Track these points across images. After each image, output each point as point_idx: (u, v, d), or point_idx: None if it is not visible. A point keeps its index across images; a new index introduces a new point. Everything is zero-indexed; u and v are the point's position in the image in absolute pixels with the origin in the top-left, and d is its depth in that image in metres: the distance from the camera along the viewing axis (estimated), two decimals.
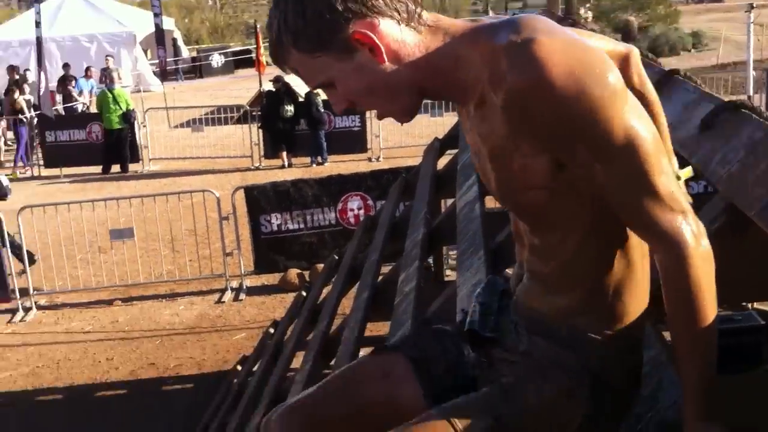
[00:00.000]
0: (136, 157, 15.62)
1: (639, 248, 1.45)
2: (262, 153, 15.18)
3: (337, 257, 6.21)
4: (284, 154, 14.74)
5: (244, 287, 8.38)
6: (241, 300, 8.14)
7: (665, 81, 2.78)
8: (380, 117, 1.45)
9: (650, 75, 2.61)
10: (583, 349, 1.48)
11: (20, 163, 16.50)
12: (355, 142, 15.00)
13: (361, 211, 8.37)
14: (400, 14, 1.33)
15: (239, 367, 6.21)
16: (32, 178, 15.69)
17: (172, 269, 8.73)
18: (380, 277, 4.45)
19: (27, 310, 8.16)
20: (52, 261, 8.54)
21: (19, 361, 7.02)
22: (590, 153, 1.29)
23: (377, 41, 1.32)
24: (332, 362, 4.17)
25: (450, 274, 7.03)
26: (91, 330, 7.67)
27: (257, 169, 14.86)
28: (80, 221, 8.68)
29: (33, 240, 8.73)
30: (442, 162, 5.91)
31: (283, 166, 14.60)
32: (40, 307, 8.27)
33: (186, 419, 5.60)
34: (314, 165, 14.64)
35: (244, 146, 15.72)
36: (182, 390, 6.30)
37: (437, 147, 6.37)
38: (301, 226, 8.45)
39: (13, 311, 8.14)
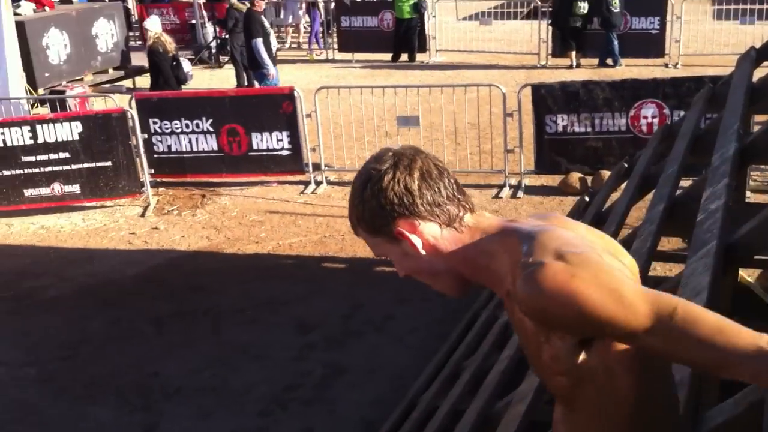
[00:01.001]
0: (423, 47, 15.88)
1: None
2: (549, 51, 14.77)
3: (626, 165, 5.91)
4: (573, 53, 14.23)
5: (523, 185, 8.31)
6: (519, 198, 8.09)
7: None
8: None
9: None
10: None
11: (315, 46, 17.47)
12: (651, 45, 14.08)
13: (656, 120, 7.87)
14: (440, 218, 1.66)
15: None
16: (326, 60, 16.56)
17: (453, 161, 8.84)
18: (678, 191, 4.16)
19: (318, 183, 8.73)
20: (342, 140, 9.01)
21: (309, 229, 7.57)
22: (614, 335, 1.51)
23: (412, 239, 1.66)
24: None
25: (750, 196, 6.48)
26: None
27: (543, 67, 14.51)
28: (369, 105, 9.02)
29: (327, 119, 9.24)
30: (757, 74, 5.35)
31: (570, 66, 14.13)
32: (329, 182, 8.81)
33: (457, 303, 5.74)
34: (603, 67, 14.02)
35: (532, 43, 15.39)
36: None
37: (753, 57, 5.74)
38: (588, 129, 8.14)
39: (306, 183, 8.74)
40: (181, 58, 10.25)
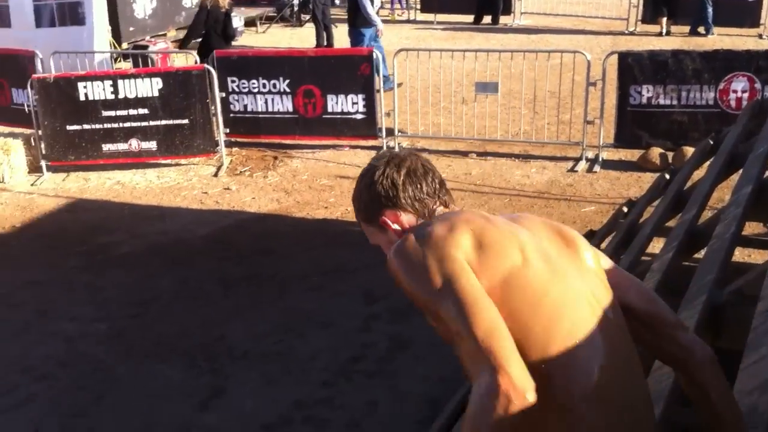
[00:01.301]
0: (508, 10, 15.51)
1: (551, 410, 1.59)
2: (639, 17, 14.23)
3: (712, 142, 5.64)
4: (664, 20, 13.68)
5: (600, 159, 8.05)
6: (595, 172, 7.84)
7: None
8: None
9: None
10: None
11: (397, 6, 17.26)
12: (746, 14, 13.43)
13: (746, 95, 7.48)
14: (418, 211, 1.92)
15: None
16: (408, 21, 16.35)
17: (529, 130, 8.63)
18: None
19: (390, 149, 8.62)
20: (417, 106, 8.87)
21: None
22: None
23: (392, 227, 1.93)
24: (698, 255, 3.82)
25: None
26: (445, 178, 7.89)
27: (631, 33, 14.02)
28: (448, 69, 8.85)
29: (403, 82, 9.10)
30: None
31: (660, 34, 13.60)
32: (402, 149, 8.70)
33: None
34: (695, 35, 13.44)
35: (621, 7, 14.88)
36: None
37: None
38: (674, 102, 7.79)
39: (378, 149, 8.62)
40: (233, 15, 10.15)
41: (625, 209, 5.91)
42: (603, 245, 5.43)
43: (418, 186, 1.92)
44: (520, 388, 1.46)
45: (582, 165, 8.00)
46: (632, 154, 8.03)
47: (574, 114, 8.72)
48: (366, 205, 1.96)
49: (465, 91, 9.10)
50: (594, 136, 8.15)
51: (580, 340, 1.63)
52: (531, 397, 1.47)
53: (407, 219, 1.91)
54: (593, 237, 5.92)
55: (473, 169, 8.10)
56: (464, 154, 8.50)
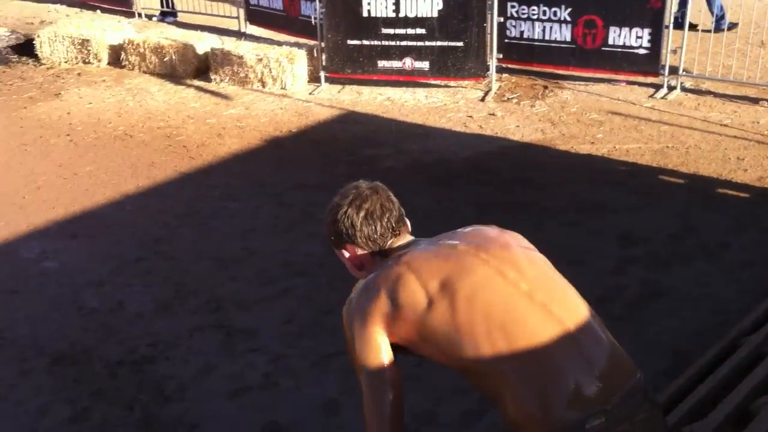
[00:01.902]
0: None
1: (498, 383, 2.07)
2: None
3: None
4: None
5: None
6: None
7: None
8: None
9: None
10: None
11: None
12: None
13: None
14: (372, 247, 2.30)
15: None
16: None
17: None
18: None
19: (671, 89, 8.05)
20: (708, 45, 8.17)
21: (651, 136, 7.05)
22: None
23: (349, 260, 2.34)
24: None
25: None
26: (729, 125, 7.26)
27: None
28: (748, 9, 8.05)
29: (695, 19, 8.41)
30: None
31: None
32: (684, 89, 8.08)
33: None
34: None
35: None
36: None
37: None
38: None
39: (658, 87, 8.11)
40: None
41: None
42: None
43: (373, 228, 2.25)
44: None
45: None
46: None
47: None
48: (332, 237, 2.32)
49: (764, 33, 8.23)
50: None
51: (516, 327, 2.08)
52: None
53: (362, 254, 2.29)
54: None
55: (762, 117, 7.34)
56: (754, 100, 7.73)
